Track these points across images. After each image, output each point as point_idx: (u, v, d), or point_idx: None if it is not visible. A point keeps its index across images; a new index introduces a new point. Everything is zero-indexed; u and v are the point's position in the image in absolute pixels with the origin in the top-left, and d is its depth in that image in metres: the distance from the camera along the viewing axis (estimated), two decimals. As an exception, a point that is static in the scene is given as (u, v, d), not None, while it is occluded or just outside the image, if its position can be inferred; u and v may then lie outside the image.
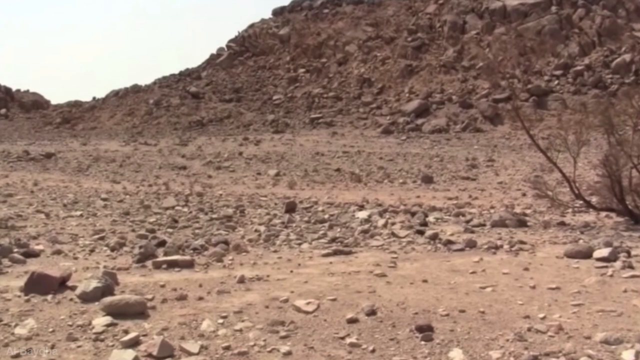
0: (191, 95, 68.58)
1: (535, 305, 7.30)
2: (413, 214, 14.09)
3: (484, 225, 12.95)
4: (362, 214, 14.23)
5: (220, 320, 6.78)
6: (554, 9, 56.63)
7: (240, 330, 6.50)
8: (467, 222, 13.29)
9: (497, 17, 58.77)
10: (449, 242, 11.02)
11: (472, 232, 12.21)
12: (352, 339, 6.23)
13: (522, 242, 10.97)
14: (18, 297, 7.66)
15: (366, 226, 12.73)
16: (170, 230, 12.72)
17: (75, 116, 73.15)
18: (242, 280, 8.39)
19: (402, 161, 29.05)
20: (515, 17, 57.53)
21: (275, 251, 10.66)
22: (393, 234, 11.88)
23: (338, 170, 25.85)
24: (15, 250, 10.23)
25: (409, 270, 9.07)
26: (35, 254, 10.24)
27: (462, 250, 10.56)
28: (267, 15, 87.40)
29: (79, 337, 6.32)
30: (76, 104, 79.61)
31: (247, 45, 79.74)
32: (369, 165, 27.56)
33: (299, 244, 11.21)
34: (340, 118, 56.01)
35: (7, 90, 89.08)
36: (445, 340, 6.19)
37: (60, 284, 7.95)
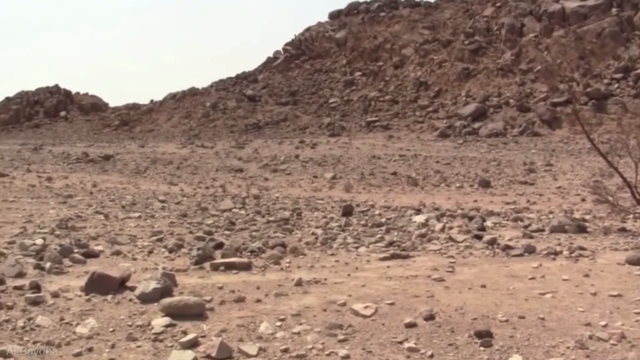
0: (248, 98, 68.95)
1: (597, 312, 7.19)
2: (470, 219, 13.96)
3: (543, 230, 12.76)
4: (419, 218, 14.13)
5: (278, 323, 6.80)
6: (614, 10, 55.65)
7: (299, 333, 6.51)
8: (526, 227, 13.11)
9: (555, 20, 57.99)
10: (507, 247, 10.89)
11: (531, 237, 12.05)
12: (411, 344, 6.20)
13: (582, 248, 10.79)
14: (79, 297, 7.76)
15: (423, 230, 12.64)
16: (227, 232, 12.76)
17: (133, 119, 73.99)
18: (299, 283, 8.40)
19: (459, 165, 28.85)
20: (574, 20, 56.73)
21: (332, 254, 10.64)
22: (450, 239, 11.77)
23: (394, 173, 25.73)
24: (76, 250, 10.35)
25: (467, 275, 8.99)
26: (95, 255, 10.36)
27: (520, 255, 10.42)
28: (324, 18, 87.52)
29: (138, 337, 6.38)
30: (134, 107, 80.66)
31: (303, 49, 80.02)
32: (426, 169, 27.41)
33: (356, 248, 11.17)
34: (397, 121, 55.83)
35: (67, 93, 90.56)
36: (504, 347, 6.13)
37: (120, 285, 8.04)
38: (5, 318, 6.88)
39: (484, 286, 8.31)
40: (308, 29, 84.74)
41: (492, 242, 11.33)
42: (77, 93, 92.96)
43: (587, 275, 8.90)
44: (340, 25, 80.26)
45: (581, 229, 12.70)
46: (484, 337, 6.28)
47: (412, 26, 71.37)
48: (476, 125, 49.70)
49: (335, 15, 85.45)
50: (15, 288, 8.05)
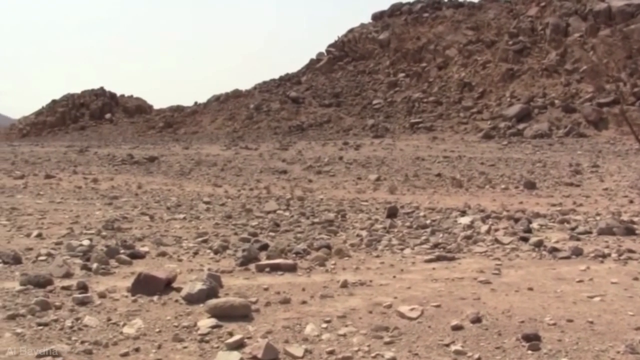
0: (291, 100, 69.15)
1: (647, 316, 7.09)
2: (516, 220, 13.82)
3: (590, 232, 12.59)
4: (465, 220, 14.04)
5: (324, 325, 6.79)
6: (662, 9, 55.06)
7: (344, 335, 6.49)
8: (572, 229, 12.95)
9: (601, 19, 57.35)
10: (554, 250, 10.77)
11: (578, 239, 11.90)
12: (457, 347, 6.15)
13: (631, 251, 10.63)
14: (125, 297, 7.82)
15: (469, 232, 12.55)
16: (272, 233, 12.77)
17: (177, 120, 74.58)
18: (345, 284, 8.38)
19: (504, 166, 28.63)
20: (620, 19, 56.06)
21: (377, 256, 10.60)
22: (496, 241, 11.68)
23: (439, 175, 25.61)
24: (122, 251, 10.43)
25: (513, 278, 8.91)
26: (140, 256, 10.43)
27: (568, 258, 10.30)
28: (367, 19, 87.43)
29: (184, 337, 6.41)
30: (178, 109, 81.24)
31: (346, 50, 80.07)
32: (470, 171, 27.24)
33: (401, 249, 11.12)
34: (441, 123, 55.66)
35: (112, 96, 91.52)
36: (552, 350, 6.06)
37: (166, 285, 8.08)
38: (53, 318, 6.95)
39: (530, 289, 8.22)
40: (351, 31, 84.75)
41: (539, 245, 11.21)
42: (122, 95, 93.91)
43: (636, 279, 8.76)
44: (383, 26, 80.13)
45: (629, 231, 12.51)
46: (532, 340, 6.21)
47: (456, 27, 71.04)
48: (521, 126, 49.35)
49: (378, 17, 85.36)
50: (63, 288, 8.13)
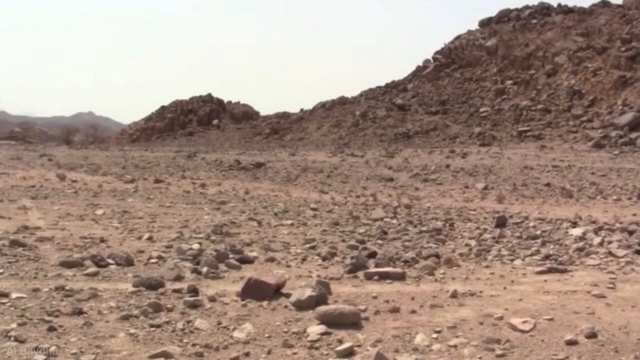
0: (397, 107, 69.00)
1: None
2: (631, 233, 13.41)
3: None
4: (576, 231, 13.69)
5: (434, 335, 6.68)
6: None
7: (455, 346, 6.37)
8: (690, 242, 12.51)
9: None
10: (671, 264, 10.42)
11: (697, 253, 11.49)
12: (572, 362, 5.98)
13: None
14: (235, 302, 7.86)
15: (581, 244, 12.23)
16: (380, 241, 12.71)
17: (283, 127, 75.23)
18: (454, 294, 8.25)
19: (616, 177, 27.94)
20: None
21: (487, 266, 10.43)
22: (610, 253, 11.33)
23: (548, 185, 25.16)
24: (231, 256, 10.51)
25: (629, 292, 8.61)
26: (249, 261, 10.50)
27: (686, 272, 9.95)
28: (474, 26, 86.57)
29: (294, 344, 6.39)
30: (284, 115, 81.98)
31: (453, 57, 79.45)
32: (580, 181, 26.68)
33: (512, 260, 10.90)
34: (549, 131, 54.68)
35: (220, 102, 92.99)
36: (674, 369, 5.83)
37: (275, 291, 8.10)
38: (165, 319, 7.03)
39: (648, 304, 7.95)
40: (458, 37, 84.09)
41: (656, 258, 10.86)
42: (229, 102, 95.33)
43: None
44: (490, 33, 79.21)
45: None
46: (652, 358, 6.00)
47: (565, 33, 69.62)
48: (633, 135, 48.03)
49: (485, 23, 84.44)
50: (174, 291, 8.23)
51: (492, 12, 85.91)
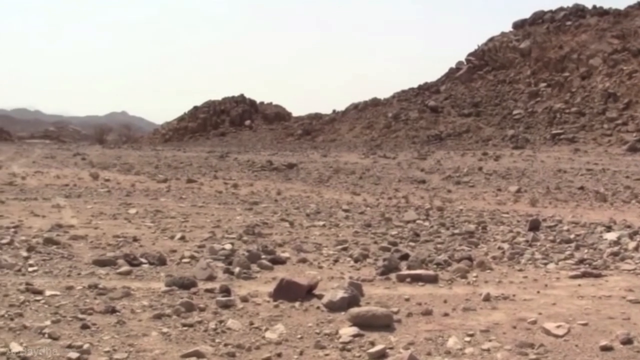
0: (430, 109, 68.82)
1: None
2: (666, 238, 13.28)
3: None
4: (611, 236, 13.54)
5: (467, 338, 6.63)
6: None
7: (488, 350, 6.31)
8: None
9: None
10: None
11: None
12: (608, 368, 5.91)
13: None
14: (267, 302, 7.86)
15: (615, 248, 12.09)
16: (412, 243, 12.65)
17: (315, 128, 75.35)
18: (487, 298, 8.19)
19: (651, 181, 27.66)
20: None
21: (520, 270, 10.34)
22: (645, 258, 11.23)
23: (582, 188, 24.95)
24: (263, 256, 10.52)
25: (666, 298, 8.51)
26: (281, 261, 10.50)
27: None
28: (507, 28, 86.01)
29: (326, 345, 6.37)
30: (316, 117, 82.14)
31: (486, 59, 79.01)
32: (615, 184, 26.43)
33: (545, 264, 10.80)
34: (583, 134, 54.22)
35: (252, 103, 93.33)
36: None
37: (308, 292, 8.09)
38: (197, 319, 7.05)
39: (685, 311, 7.84)
40: (491, 39, 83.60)
41: (692, 264, 10.72)
42: (262, 103, 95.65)
43: None
44: (524, 35, 78.65)
45: None
46: (691, 366, 5.91)
47: (600, 35, 68.95)
48: (669, 139, 47.57)
49: (519, 25, 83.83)
50: (207, 291, 8.25)
51: (526, 14, 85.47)
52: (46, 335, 6.32)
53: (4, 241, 11.25)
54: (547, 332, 6.86)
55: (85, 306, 7.39)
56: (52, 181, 25.28)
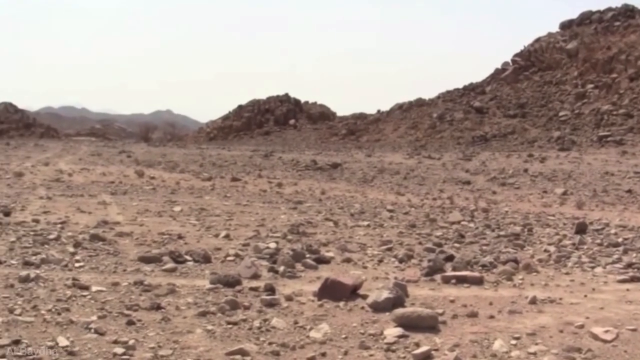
0: (475, 110, 68.38)
1: None
2: None
3: None
4: (660, 240, 13.37)
5: (513, 342, 6.56)
6: None
7: (534, 354, 6.24)
8: None
9: None
10: None
11: None
12: (657, 374, 5.81)
13: None
14: (312, 302, 7.85)
15: (665, 253, 11.94)
16: (457, 245, 12.57)
17: (359, 128, 75.27)
18: (533, 301, 8.10)
19: (702, 184, 27.22)
20: None
21: (566, 273, 10.22)
22: (695, 263, 11.04)
23: (629, 191, 24.61)
24: (307, 255, 10.53)
25: None
26: (326, 261, 10.49)
27: None
28: (554, 28, 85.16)
29: (370, 345, 6.35)
30: (361, 116, 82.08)
31: (532, 60, 78.32)
32: (663, 188, 26.06)
33: (592, 268, 10.66)
34: (631, 137, 53.46)
35: (297, 102, 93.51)
36: None
37: (352, 292, 8.07)
38: (242, 317, 7.06)
39: None
40: (538, 40, 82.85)
41: None
42: (306, 102, 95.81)
43: None
44: (571, 35, 77.83)
45: None
46: None
47: (649, 36, 68.06)
48: None
49: (566, 26, 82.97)
50: (251, 289, 8.27)
51: (574, 15, 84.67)
52: (92, 331, 6.38)
53: (51, 237, 11.41)
54: (595, 337, 6.76)
55: (131, 302, 7.45)
56: (98, 178, 25.54)
